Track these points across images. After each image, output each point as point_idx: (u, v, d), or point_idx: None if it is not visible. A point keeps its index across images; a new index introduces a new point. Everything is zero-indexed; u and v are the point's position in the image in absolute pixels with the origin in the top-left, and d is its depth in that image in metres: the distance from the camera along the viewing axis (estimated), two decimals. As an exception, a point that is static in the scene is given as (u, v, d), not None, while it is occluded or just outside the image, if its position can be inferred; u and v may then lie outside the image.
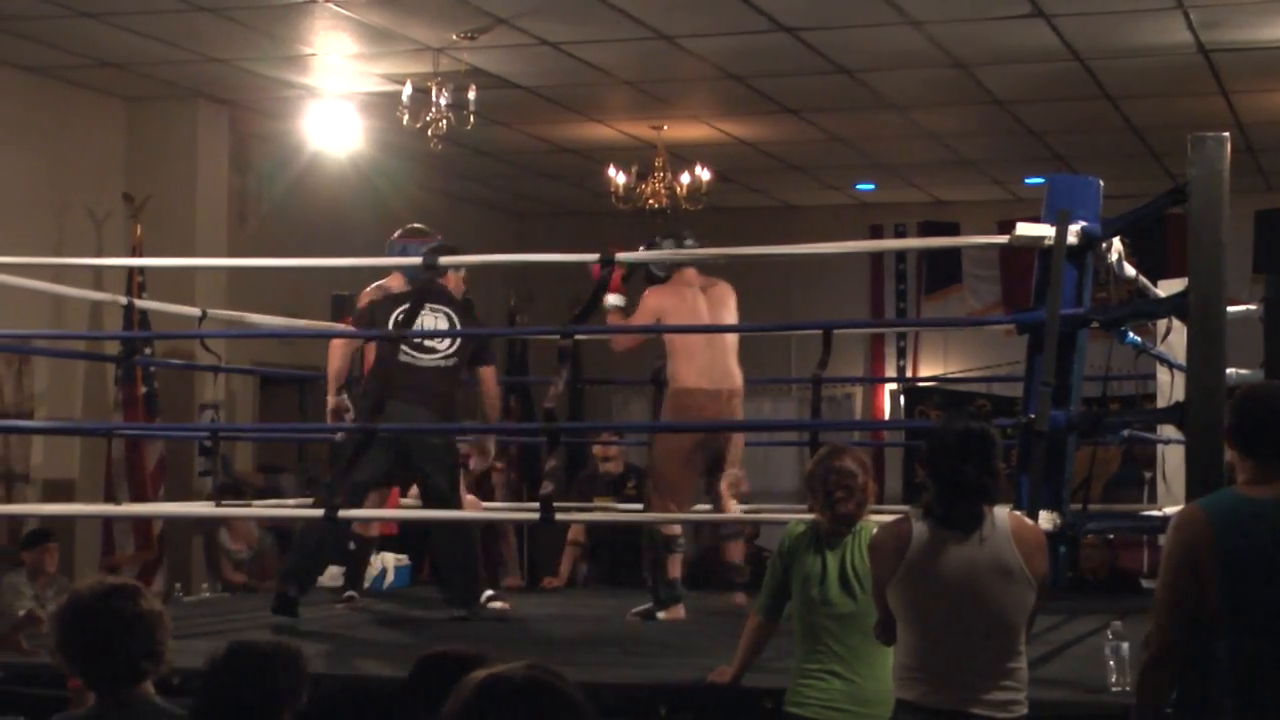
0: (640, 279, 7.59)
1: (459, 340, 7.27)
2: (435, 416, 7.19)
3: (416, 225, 7.90)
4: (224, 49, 9.77)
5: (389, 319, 7.17)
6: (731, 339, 7.56)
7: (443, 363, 7.23)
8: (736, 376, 7.59)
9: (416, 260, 7.13)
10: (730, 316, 7.67)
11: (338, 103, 10.75)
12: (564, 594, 8.95)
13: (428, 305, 7.23)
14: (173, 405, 10.50)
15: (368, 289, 7.77)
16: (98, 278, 10.06)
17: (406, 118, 9.67)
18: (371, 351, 7.66)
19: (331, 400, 7.57)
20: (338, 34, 9.43)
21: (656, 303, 7.46)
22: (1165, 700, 3.94)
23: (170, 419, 10.35)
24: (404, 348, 7.17)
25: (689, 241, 7.55)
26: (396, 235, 7.74)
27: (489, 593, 7.53)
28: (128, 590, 3.65)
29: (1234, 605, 3.83)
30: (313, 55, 9.89)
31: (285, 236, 11.50)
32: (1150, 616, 3.96)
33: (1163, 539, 4.08)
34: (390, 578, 8.93)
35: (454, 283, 7.56)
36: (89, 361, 10.09)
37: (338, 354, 7.60)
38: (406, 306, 7.14)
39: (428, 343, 7.22)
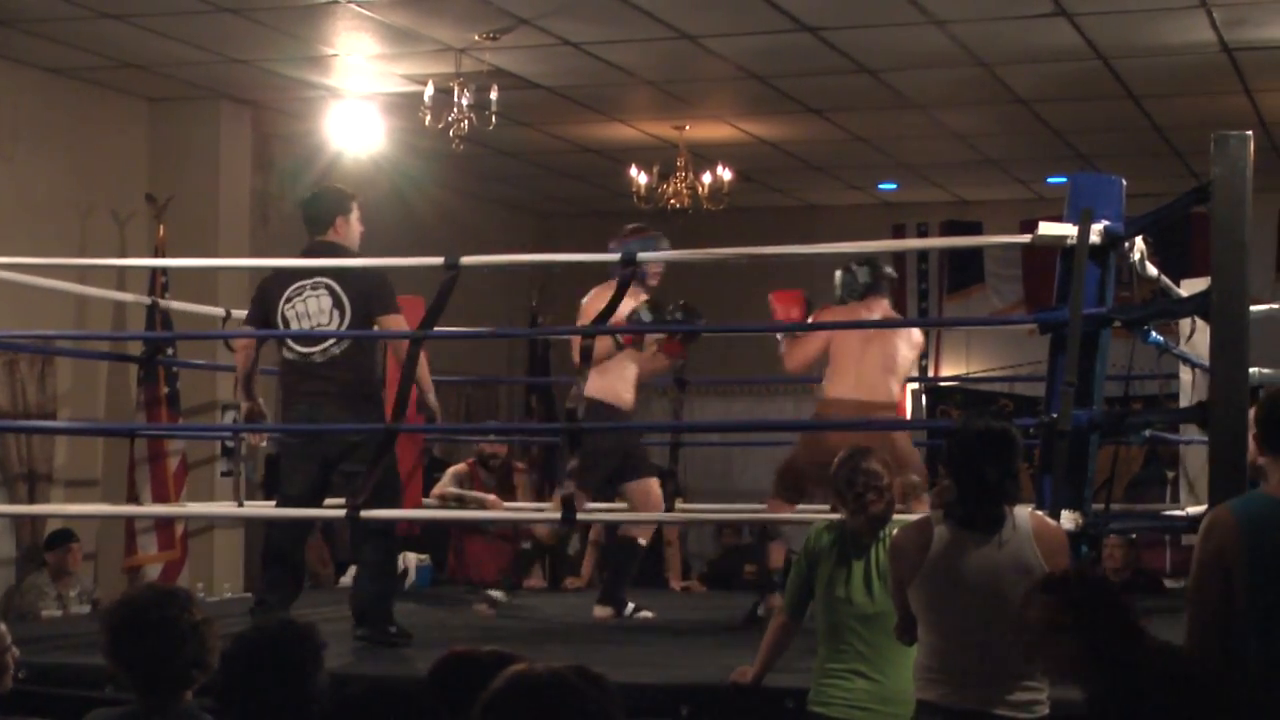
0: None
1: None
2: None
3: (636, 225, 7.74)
4: (246, 49, 9.79)
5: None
6: (884, 351, 7.45)
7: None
8: (885, 388, 7.46)
9: (436, 261, 7.09)
10: (895, 336, 7.51)
11: (360, 103, 10.77)
12: (586, 595, 8.95)
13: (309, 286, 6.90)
14: (195, 406, 10.52)
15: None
16: (121, 278, 10.08)
17: (429, 118, 9.69)
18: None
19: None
20: (360, 34, 9.45)
21: (830, 317, 7.45)
22: None
23: (193, 420, 10.37)
24: None
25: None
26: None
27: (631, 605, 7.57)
28: (179, 598, 3.65)
29: (1263, 606, 3.82)
30: (335, 56, 9.91)
31: (307, 237, 11.51)
32: (1181, 619, 3.95)
33: (1186, 539, 4.08)
34: (412, 577, 8.94)
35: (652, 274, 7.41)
36: (112, 362, 10.11)
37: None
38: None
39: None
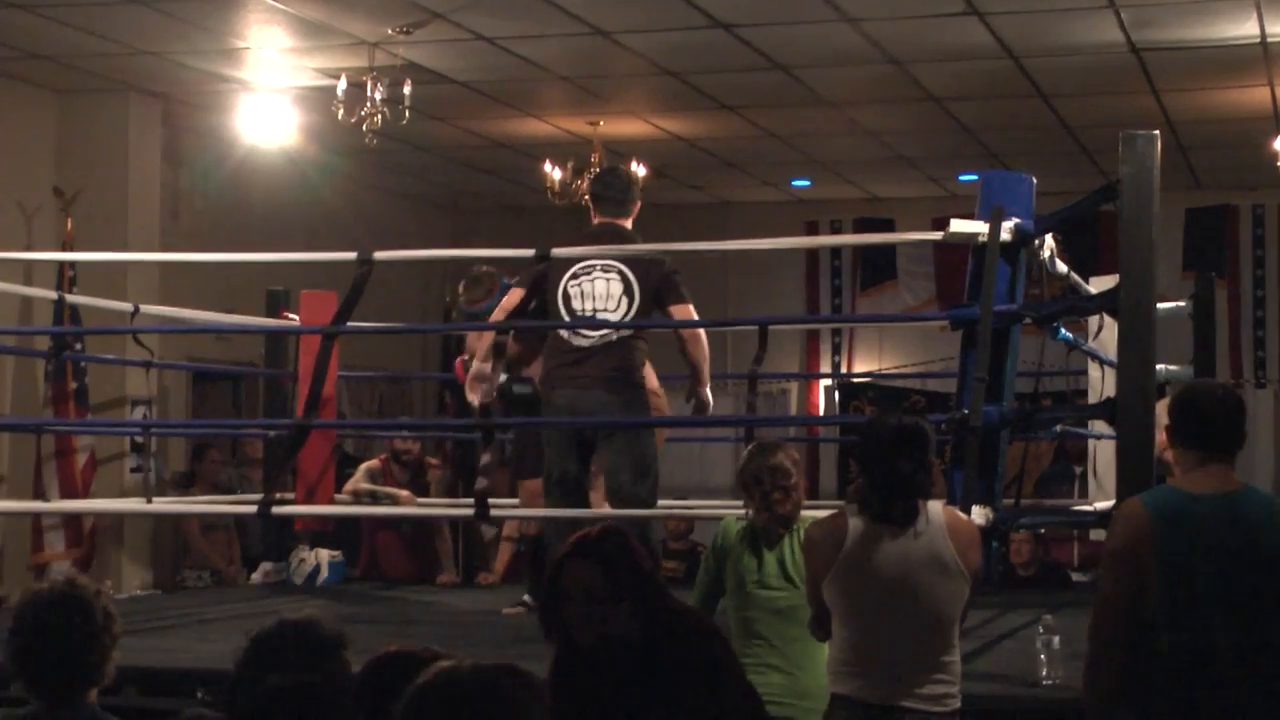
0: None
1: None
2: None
3: None
4: (156, 42, 9.67)
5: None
6: None
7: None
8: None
9: (349, 256, 7.02)
10: None
11: (272, 97, 10.67)
12: (500, 590, 8.92)
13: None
14: (104, 401, 10.39)
15: None
16: (28, 272, 9.94)
17: (341, 112, 9.61)
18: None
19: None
20: (271, 27, 9.36)
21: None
22: (1114, 698, 3.97)
23: (102, 415, 10.25)
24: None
25: None
26: None
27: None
28: (83, 598, 3.54)
29: (1176, 600, 3.86)
30: (246, 49, 9.80)
31: (219, 232, 11.42)
32: (1089, 613, 3.98)
33: (1094, 534, 4.12)
34: (324, 574, 8.88)
35: None
36: (18, 357, 9.97)
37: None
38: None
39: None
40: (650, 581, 3.80)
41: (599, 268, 6.87)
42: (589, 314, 6.82)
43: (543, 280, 6.94)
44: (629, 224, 7.14)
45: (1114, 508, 4.23)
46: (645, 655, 3.69)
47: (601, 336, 6.84)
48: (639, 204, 7.20)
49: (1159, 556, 3.89)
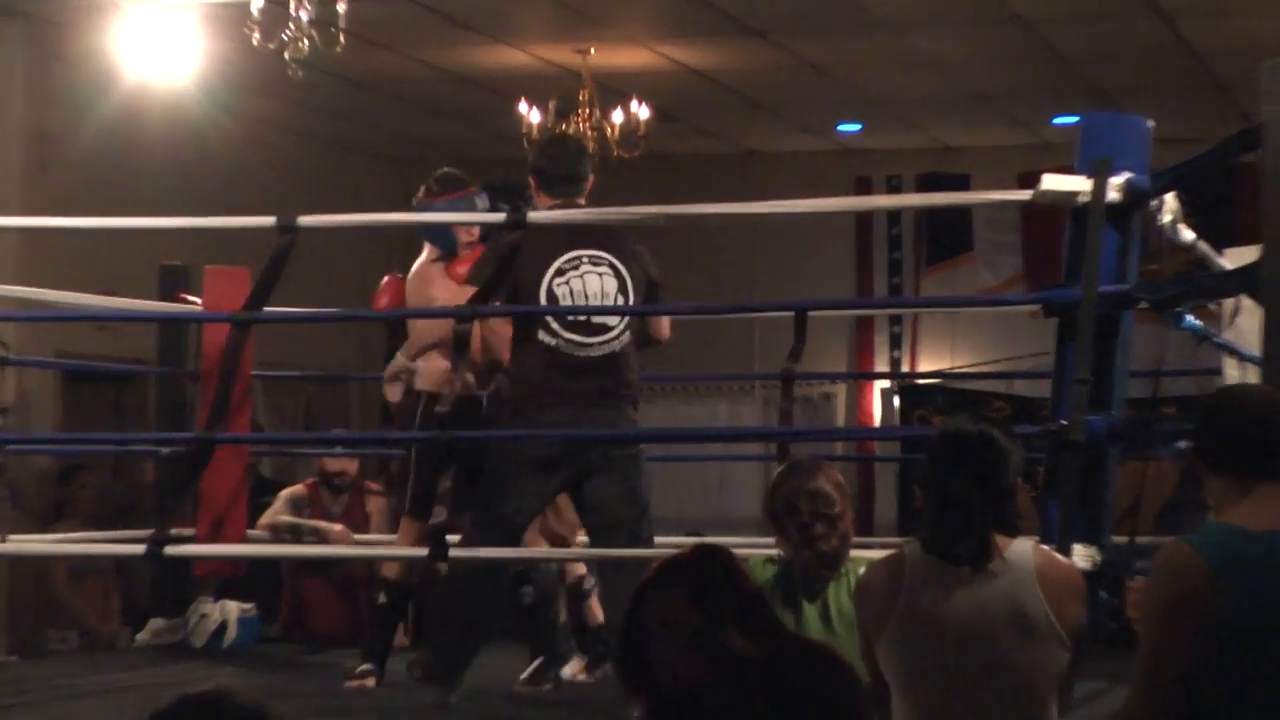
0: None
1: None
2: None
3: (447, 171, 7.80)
4: (18, -55, 9.67)
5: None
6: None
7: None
8: None
9: (267, 221, 7.00)
10: None
11: (169, 15, 10.64)
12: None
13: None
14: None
15: None
16: None
17: (257, 36, 9.58)
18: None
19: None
20: (167, -74, 9.35)
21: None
22: None
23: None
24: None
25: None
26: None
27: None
28: None
29: (1239, 664, 3.85)
30: (134, -47, 9.80)
31: (99, 190, 11.38)
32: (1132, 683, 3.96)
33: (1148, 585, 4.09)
34: (232, 633, 8.85)
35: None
36: None
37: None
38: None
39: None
40: (758, 609, 3.85)
41: (587, 260, 6.92)
42: (584, 321, 6.87)
43: (511, 265, 6.92)
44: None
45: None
46: (766, 689, 3.76)
47: (603, 344, 6.88)
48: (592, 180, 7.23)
49: (1221, 617, 3.87)
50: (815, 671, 3.89)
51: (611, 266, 6.93)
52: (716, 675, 3.80)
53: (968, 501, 4.24)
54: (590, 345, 6.86)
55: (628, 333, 6.92)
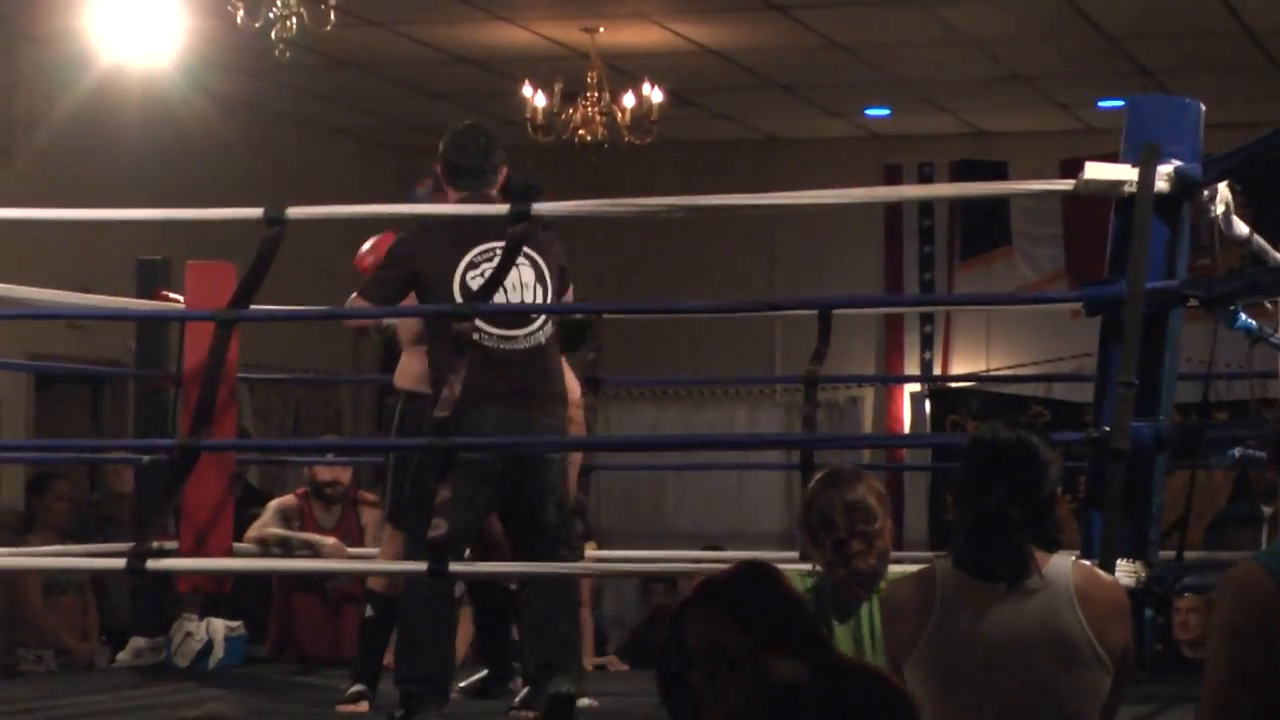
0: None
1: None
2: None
3: None
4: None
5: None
6: None
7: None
8: None
9: (254, 213, 7.04)
10: None
11: (146, -9, 10.68)
12: (462, 671, 8.92)
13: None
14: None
15: None
16: None
17: (242, 14, 9.61)
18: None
19: None
20: (144, -106, 9.38)
21: None
22: None
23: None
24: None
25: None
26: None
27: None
28: None
29: None
30: (110, -77, 9.83)
31: (71, 179, 11.41)
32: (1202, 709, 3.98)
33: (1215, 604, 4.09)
34: (218, 653, 8.89)
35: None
36: None
37: None
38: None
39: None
40: (808, 632, 3.84)
41: (500, 251, 6.96)
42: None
43: (414, 262, 7.04)
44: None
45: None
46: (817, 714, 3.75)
47: (527, 337, 7.00)
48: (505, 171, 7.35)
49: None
50: (872, 700, 3.82)
51: (527, 256, 7.03)
52: (762, 703, 3.77)
53: (1004, 514, 4.25)
54: (515, 338, 6.96)
55: (550, 324, 7.05)
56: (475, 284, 6.96)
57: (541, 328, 7.02)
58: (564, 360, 7.43)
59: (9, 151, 11.57)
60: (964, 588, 4.29)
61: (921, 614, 4.31)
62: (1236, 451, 6.63)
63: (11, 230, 10.66)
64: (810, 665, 3.78)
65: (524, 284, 6.99)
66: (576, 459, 7.71)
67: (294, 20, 9.70)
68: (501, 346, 6.92)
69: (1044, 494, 4.31)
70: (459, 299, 6.95)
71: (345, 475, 9.37)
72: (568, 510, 7.16)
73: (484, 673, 7.66)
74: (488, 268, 6.98)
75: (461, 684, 7.56)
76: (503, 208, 7.00)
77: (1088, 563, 4.67)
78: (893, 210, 14.77)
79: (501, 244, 6.94)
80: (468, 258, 7.02)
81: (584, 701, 7.62)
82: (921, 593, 4.35)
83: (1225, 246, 6.44)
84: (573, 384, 7.50)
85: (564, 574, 7.27)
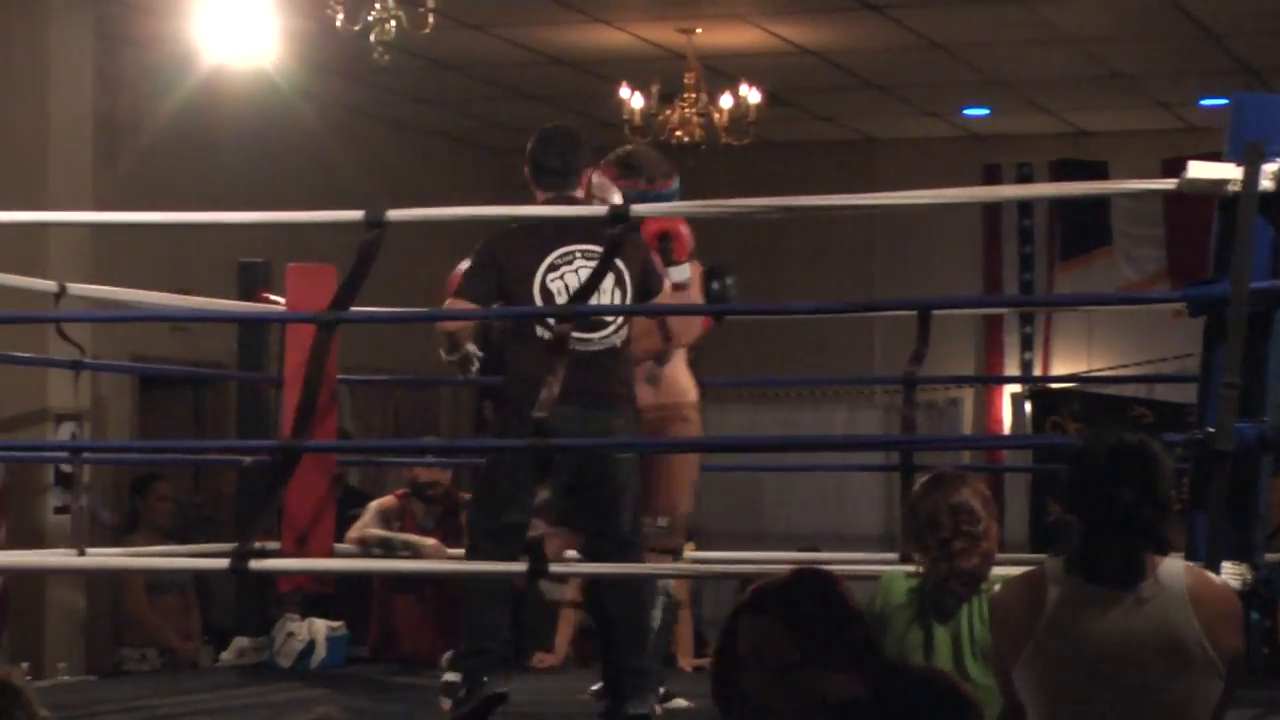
0: None
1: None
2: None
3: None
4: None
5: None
6: None
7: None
8: None
9: (354, 216, 7.08)
10: None
11: (245, -4, 10.74)
12: (559, 676, 8.94)
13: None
14: (16, 416, 10.49)
15: None
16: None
17: (341, 18, 9.66)
18: None
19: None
20: (245, -99, 9.44)
21: None
22: None
23: (13, 437, 10.34)
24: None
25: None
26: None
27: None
28: (4, 694, 3.61)
29: None
30: (210, -70, 9.90)
31: (172, 182, 11.49)
32: None
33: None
34: (320, 652, 8.93)
35: None
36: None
37: None
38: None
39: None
40: (863, 644, 3.81)
41: (580, 255, 7.02)
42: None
43: (496, 267, 7.08)
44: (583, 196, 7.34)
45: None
46: None
47: (602, 340, 7.01)
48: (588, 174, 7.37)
49: None
50: (933, 710, 3.79)
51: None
52: (815, 717, 3.75)
53: (1130, 518, 4.23)
54: (590, 340, 6.97)
55: (625, 329, 7.05)
56: (554, 287, 6.99)
57: (616, 331, 7.03)
58: (684, 362, 7.46)
59: (112, 155, 11.64)
60: (1076, 590, 4.27)
61: (1031, 616, 4.30)
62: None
63: (115, 233, 10.76)
64: (867, 678, 3.74)
65: (603, 288, 7.00)
66: (694, 461, 7.72)
67: (393, 23, 9.74)
68: (577, 348, 6.95)
69: (1164, 497, 4.29)
70: (539, 302, 6.99)
71: (445, 476, 9.41)
72: (639, 510, 7.12)
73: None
74: (566, 270, 7.02)
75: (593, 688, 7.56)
76: (598, 209, 7.01)
77: (1199, 567, 4.63)
78: (991, 211, 14.73)
79: (582, 247, 6.99)
80: (548, 260, 7.04)
81: (679, 703, 7.64)
82: (1031, 595, 4.33)
83: (1332, 245, 6.39)
84: (690, 385, 7.53)
85: (655, 575, 7.29)
